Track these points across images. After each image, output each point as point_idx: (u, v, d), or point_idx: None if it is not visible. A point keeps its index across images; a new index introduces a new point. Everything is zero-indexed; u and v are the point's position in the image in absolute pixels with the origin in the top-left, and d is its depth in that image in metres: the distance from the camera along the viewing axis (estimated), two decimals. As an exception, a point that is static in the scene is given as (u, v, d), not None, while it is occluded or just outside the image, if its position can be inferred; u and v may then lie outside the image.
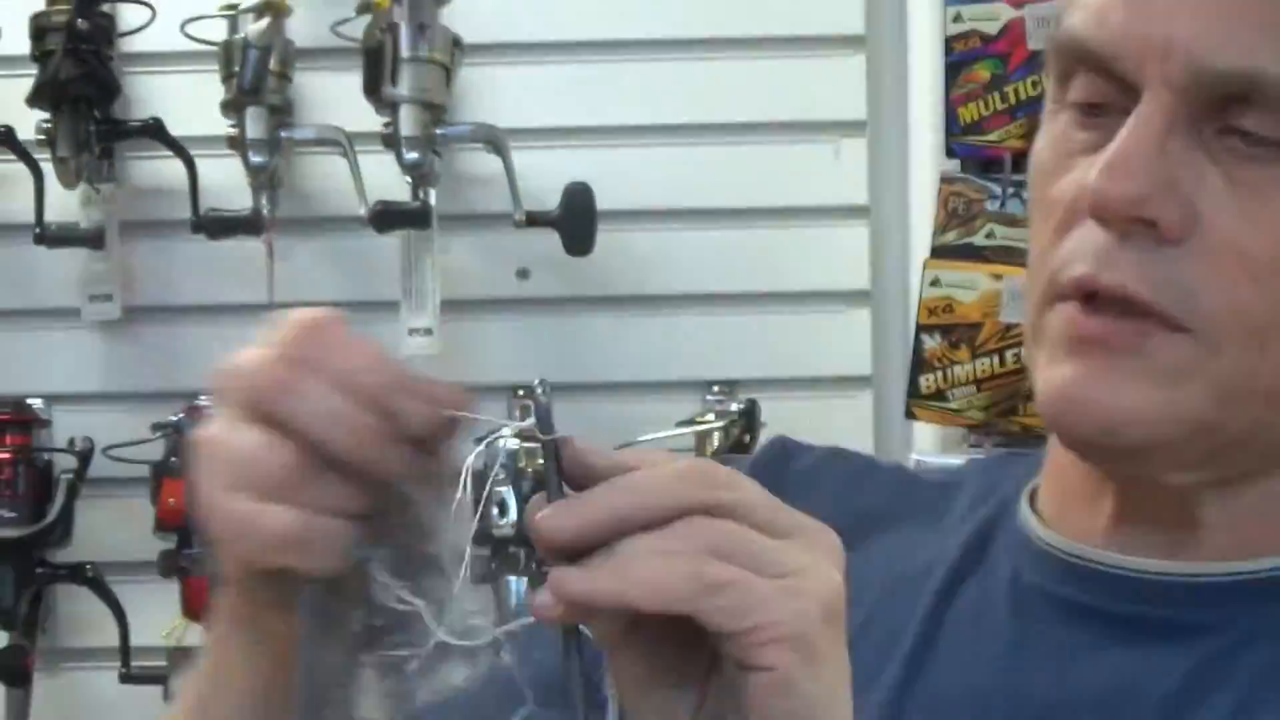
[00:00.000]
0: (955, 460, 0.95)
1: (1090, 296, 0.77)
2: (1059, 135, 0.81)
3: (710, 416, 2.08)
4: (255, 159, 2.02)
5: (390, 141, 2.01)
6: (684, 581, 0.63)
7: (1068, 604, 0.82)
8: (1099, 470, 0.83)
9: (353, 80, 2.02)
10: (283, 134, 2.04)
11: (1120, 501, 0.83)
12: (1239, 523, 0.82)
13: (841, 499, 0.92)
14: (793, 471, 0.96)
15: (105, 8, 2.06)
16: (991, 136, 2.07)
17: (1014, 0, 2.05)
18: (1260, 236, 0.76)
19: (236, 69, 1.97)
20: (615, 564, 0.64)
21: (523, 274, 2.14)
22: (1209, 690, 0.80)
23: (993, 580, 0.87)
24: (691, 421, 2.08)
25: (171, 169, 2.07)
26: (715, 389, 2.12)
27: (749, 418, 2.03)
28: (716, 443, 2.04)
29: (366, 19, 1.99)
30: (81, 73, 2.00)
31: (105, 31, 2.05)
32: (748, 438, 2.03)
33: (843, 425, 2.06)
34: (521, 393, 1.82)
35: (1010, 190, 2.06)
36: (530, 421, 0.68)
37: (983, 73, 2.07)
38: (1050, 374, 0.79)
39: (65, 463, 2.09)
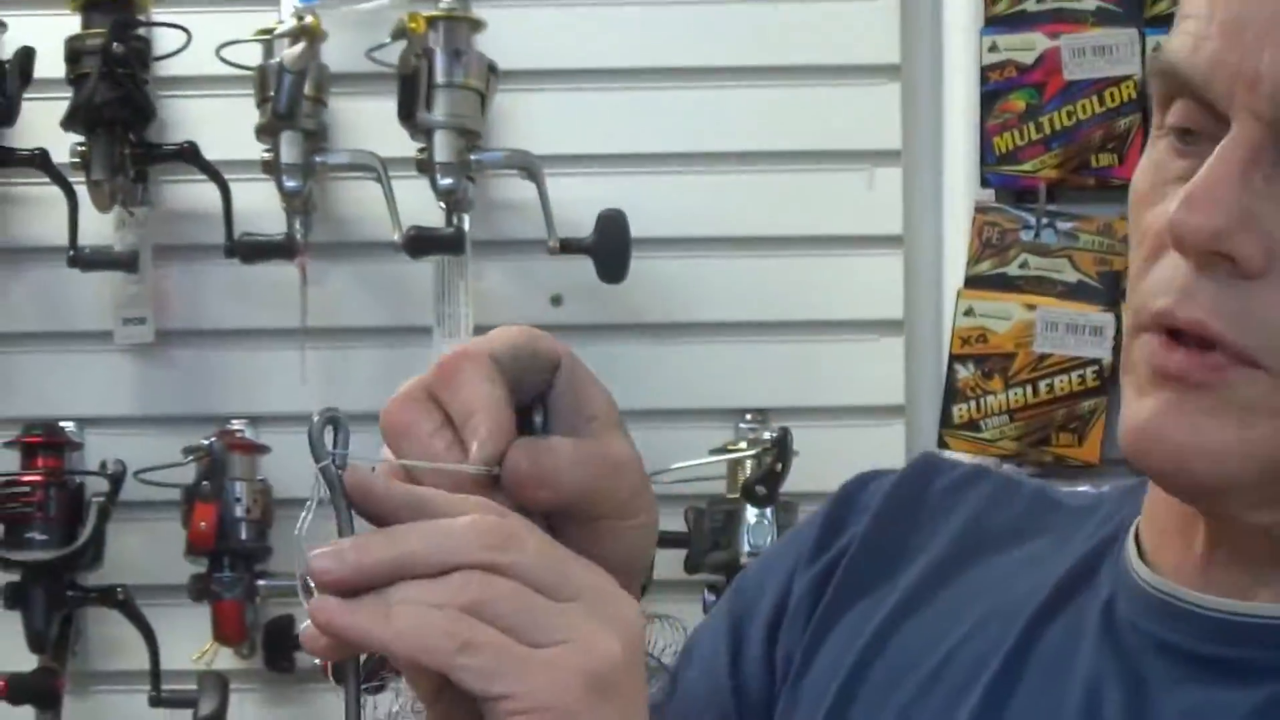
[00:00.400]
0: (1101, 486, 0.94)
1: (1173, 330, 0.76)
2: (1156, 162, 0.81)
3: (743, 445, 2.07)
4: (289, 184, 2.02)
5: (425, 167, 2.02)
6: (439, 638, 0.63)
7: (1153, 640, 0.81)
8: (1187, 506, 0.83)
9: (388, 106, 2.02)
10: (317, 159, 2.05)
11: (1211, 538, 0.83)
12: None
13: (977, 518, 0.93)
14: (934, 489, 0.95)
15: (141, 31, 2.07)
16: (1026, 166, 2.07)
17: (1050, 30, 2.05)
18: None
19: (271, 94, 1.98)
20: (377, 608, 0.64)
21: (556, 300, 2.14)
22: None
23: (1091, 605, 0.87)
24: (724, 450, 2.08)
25: (206, 193, 2.07)
26: (748, 417, 2.11)
27: (782, 446, 2.02)
28: (749, 471, 2.04)
29: (402, 44, 1.99)
30: (116, 96, 2.01)
31: (140, 55, 2.05)
32: (780, 466, 2.02)
33: (875, 454, 2.04)
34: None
35: (1044, 220, 2.06)
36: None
37: (1018, 103, 2.07)
38: (1132, 408, 0.79)
39: (97, 486, 2.08)
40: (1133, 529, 0.89)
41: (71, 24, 2.05)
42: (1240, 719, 0.80)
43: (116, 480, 2.07)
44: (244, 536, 2.07)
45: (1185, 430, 0.77)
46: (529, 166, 2.05)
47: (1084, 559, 0.89)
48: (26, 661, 2.06)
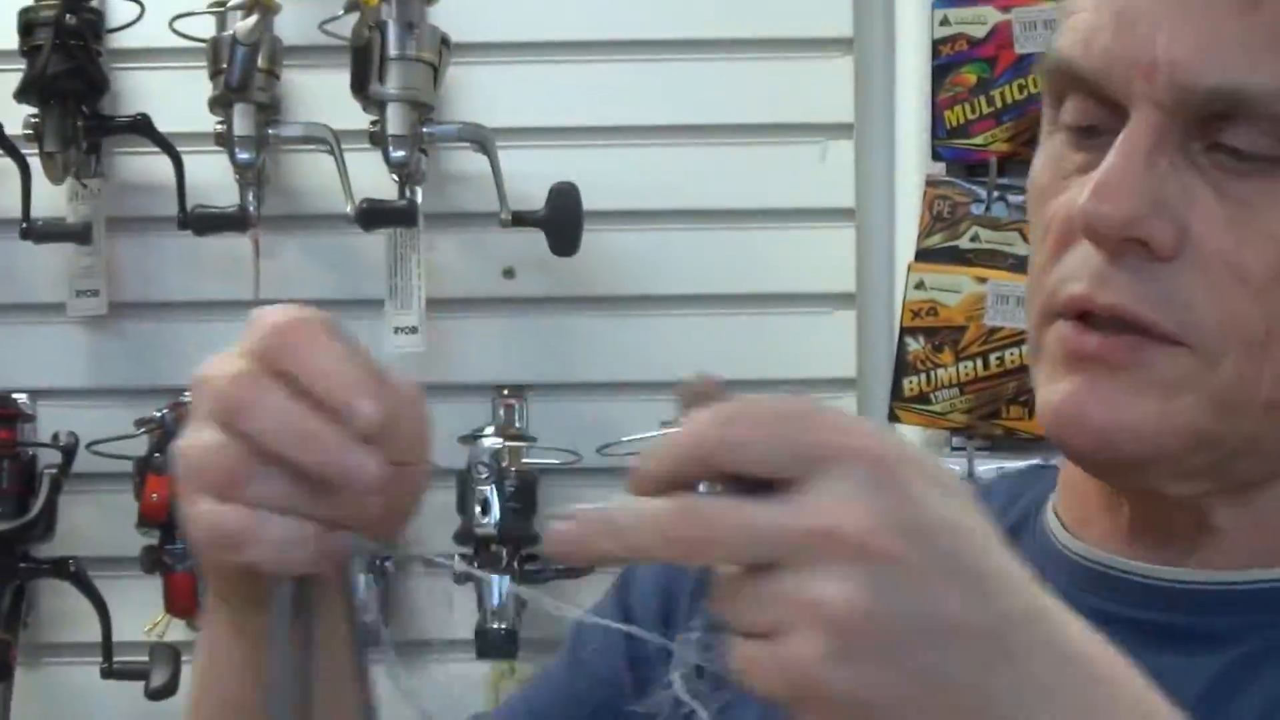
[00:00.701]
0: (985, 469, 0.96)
1: (1086, 315, 0.79)
2: (1054, 156, 0.83)
3: (694, 417, 2.07)
4: (242, 156, 2.01)
5: (377, 140, 2.01)
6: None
7: (1095, 612, 0.73)
8: (1109, 483, 0.85)
9: (340, 78, 2.01)
10: (270, 131, 2.03)
11: (1136, 511, 0.84)
12: (1256, 530, 0.83)
13: None
14: None
15: (94, 3, 2.05)
16: (977, 140, 2.07)
17: (1001, 3, 2.05)
18: (1252, 249, 0.78)
19: (224, 66, 1.97)
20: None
21: (508, 273, 2.13)
22: (1234, 695, 0.80)
23: None
24: (675, 423, 2.08)
25: (159, 165, 2.07)
26: (699, 390, 2.11)
27: (732, 419, 2.03)
28: (700, 443, 2.03)
29: (355, 17, 1.98)
30: (69, 68, 2.00)
31: (93, 26, 2.04)
32: (730, 439, 2.02)
33: (826, 427, 2.05)
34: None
35: (995, 194, 2.06)
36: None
37: (969, 76, 2.07)
38: (1049, 390, 0.81)
39: (49, 458, 2.08)
40: (1049, 508, 0.90)
41: (24, -4, 2.04)
42: (1204, 685, 0.80)
43: (69, 452, 2.07)
44: (196, 509, 2.05)
45: (1106, 410, 0.79)
46: (481, 139, 2.04)
47: None
48: (-22, 633, 2.06)
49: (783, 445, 0.60)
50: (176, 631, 2.07)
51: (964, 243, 2.05)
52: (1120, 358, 0.78)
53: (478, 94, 2.14)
